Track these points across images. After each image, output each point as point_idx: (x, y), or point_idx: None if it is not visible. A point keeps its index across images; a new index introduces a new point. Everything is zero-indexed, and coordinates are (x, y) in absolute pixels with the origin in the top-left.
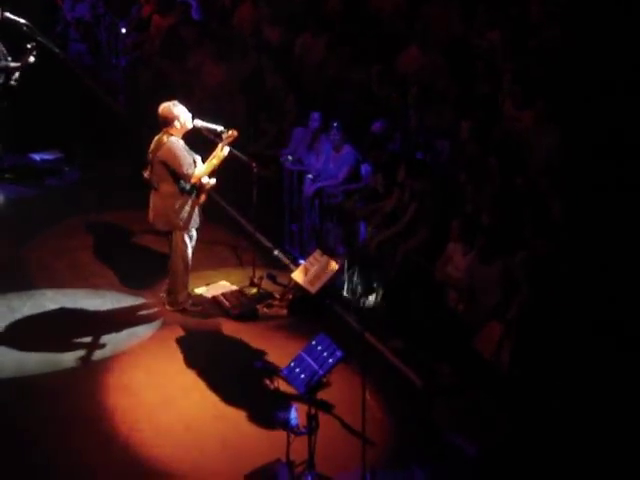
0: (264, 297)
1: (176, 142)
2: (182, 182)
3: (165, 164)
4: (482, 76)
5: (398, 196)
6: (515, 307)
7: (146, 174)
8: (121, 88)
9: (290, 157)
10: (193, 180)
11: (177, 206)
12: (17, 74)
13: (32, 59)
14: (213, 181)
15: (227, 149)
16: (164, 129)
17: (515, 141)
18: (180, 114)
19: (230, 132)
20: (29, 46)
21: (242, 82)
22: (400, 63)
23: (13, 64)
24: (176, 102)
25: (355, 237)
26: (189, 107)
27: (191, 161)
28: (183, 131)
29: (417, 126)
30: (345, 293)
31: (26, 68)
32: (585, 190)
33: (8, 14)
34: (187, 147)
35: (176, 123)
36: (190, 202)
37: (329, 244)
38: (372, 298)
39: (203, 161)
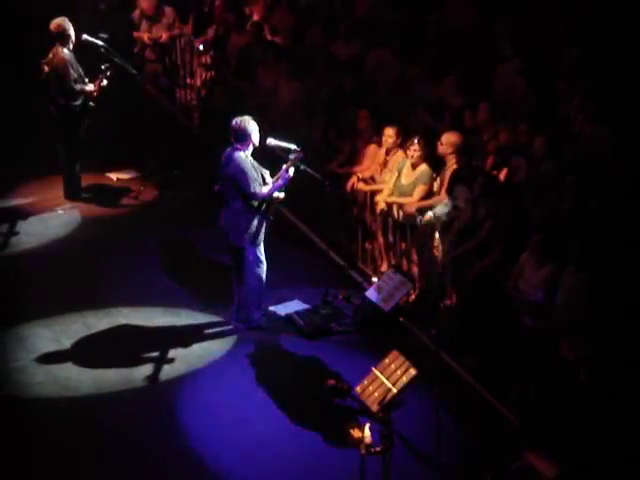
0: (337, 315)
1: (245, 159)
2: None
3: (233, 181)
4: (563, 95)
5: (472, 212)
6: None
7: (217, 188)
8: (196, 108)
9: (359, 174)
10: (258, 198)
11: (246, 222)
12: (95, 95)
13: (106, 81)
14: (282, 195)
15: (292, 170)
16: (234, 144)
17: (592, 158)
18: (252, 130)
19: (296, 154)
20: (103, 67)
21: (316, 100)
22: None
23: (89, 87)
24: (249, 118)
25: (429, 254)
26: (263, 126)
27: (259, 178)
28: (252, 147)
29: (492, 142)
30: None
31: (101, 89)
32: None
33: (86, 36)
34: (256, 163)
35: (248, 138)
36: (259, 218)
37: (402, 262)
38: (446, 315)
39: (272, 175)
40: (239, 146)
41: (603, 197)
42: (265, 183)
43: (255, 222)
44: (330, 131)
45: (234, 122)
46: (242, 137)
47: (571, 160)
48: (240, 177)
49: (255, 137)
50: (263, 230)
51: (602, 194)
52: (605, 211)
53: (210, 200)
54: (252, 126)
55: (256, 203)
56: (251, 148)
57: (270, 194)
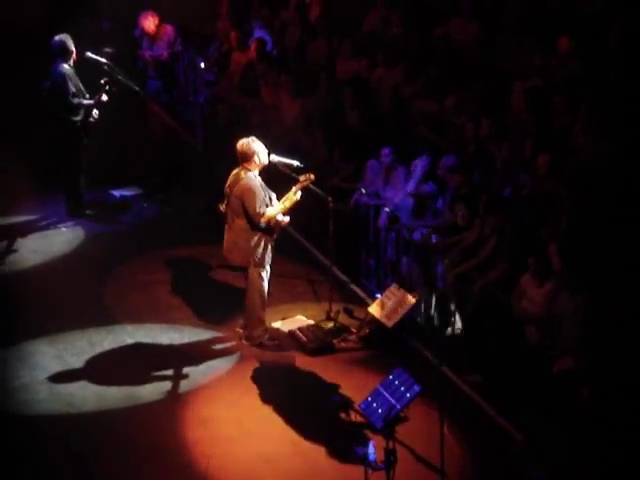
0: (340, 331)
1: (253, 179)
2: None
3: (240, 200)
4: (561, 109)
5: (479, 229)
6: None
7: (222, 207)
8: (199, 125)
9: (363, 190)
10: (264, 220)
11: (251, 242)
12: (95, 111)
13: (105, 96)
14: (287, 219)
15: (300, 193)
16: (242, 164)
17: (590, 174)
18: (258, 150)
19: (306, 176)
20: (102, 82)
21: (319, 117)
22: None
23: (87, 101)
24: (254, 138)
25: (433, 270)
26: (266, 143)
27: (266, 200)
28: (260, 167)
29: (495, 159)
30: (423, 327)
31: (100, 104)
32: None
33: (89, 54)
34: (263, 184)
35: (255, 158)
36: (264, 239)
37: (406, 278)
38: (449, 331)
39: (278, 198)
40: (246, 166)
41: (598, 215)
42: (271, 205)
43: (261, 243)
44: (334, 148)
45: (239, 144)
46: (247, 158)
47: (570, 177)
48: (247, 197)
49: (262, 156)
50: (270, 251)
51: (597, 212)
52: (600, 229)
53: (215, 217)
54: (257, 146)
55: (262, 224)
56: (259, 167)
57: (274, 216)
